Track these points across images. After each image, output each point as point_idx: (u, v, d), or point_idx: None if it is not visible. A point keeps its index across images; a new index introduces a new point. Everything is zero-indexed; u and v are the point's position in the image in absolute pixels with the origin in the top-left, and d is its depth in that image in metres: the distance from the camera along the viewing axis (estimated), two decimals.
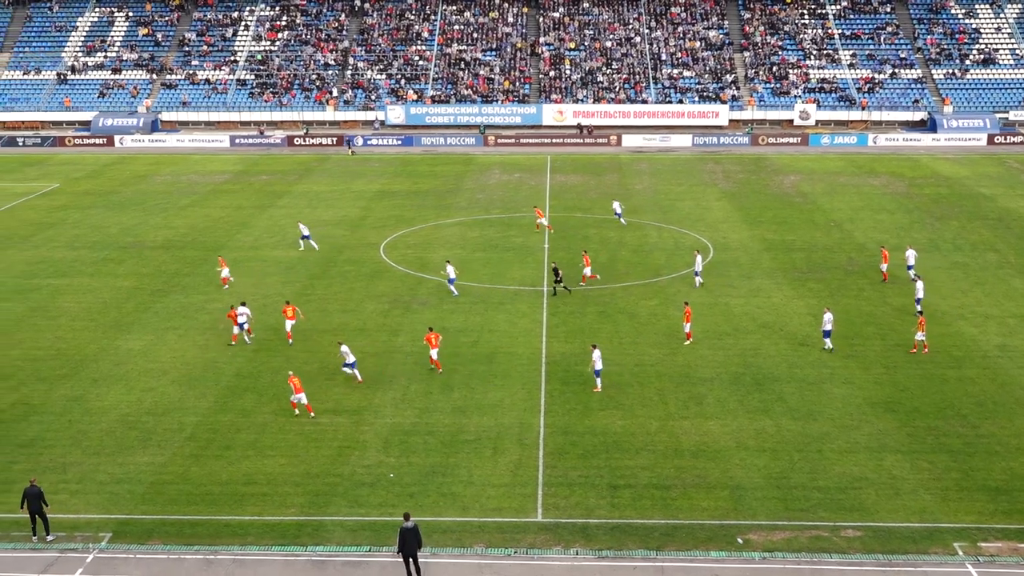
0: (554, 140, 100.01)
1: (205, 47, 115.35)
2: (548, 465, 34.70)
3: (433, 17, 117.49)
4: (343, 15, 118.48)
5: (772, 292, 52.66)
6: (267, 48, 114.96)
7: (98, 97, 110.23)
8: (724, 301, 51.19)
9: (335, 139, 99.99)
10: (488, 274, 55.97)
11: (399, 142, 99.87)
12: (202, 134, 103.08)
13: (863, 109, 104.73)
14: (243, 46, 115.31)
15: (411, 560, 28.58)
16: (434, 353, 42.55)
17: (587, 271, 53.67)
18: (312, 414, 38.58)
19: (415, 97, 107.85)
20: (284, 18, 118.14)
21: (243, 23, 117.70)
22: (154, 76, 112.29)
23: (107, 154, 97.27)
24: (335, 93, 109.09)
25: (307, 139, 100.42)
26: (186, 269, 57.67)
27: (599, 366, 40.48)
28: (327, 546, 30.29)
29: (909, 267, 54.80)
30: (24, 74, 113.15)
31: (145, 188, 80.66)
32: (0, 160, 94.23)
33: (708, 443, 36.17)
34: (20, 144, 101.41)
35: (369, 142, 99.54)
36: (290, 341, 46.00)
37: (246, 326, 46.01)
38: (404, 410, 39.00)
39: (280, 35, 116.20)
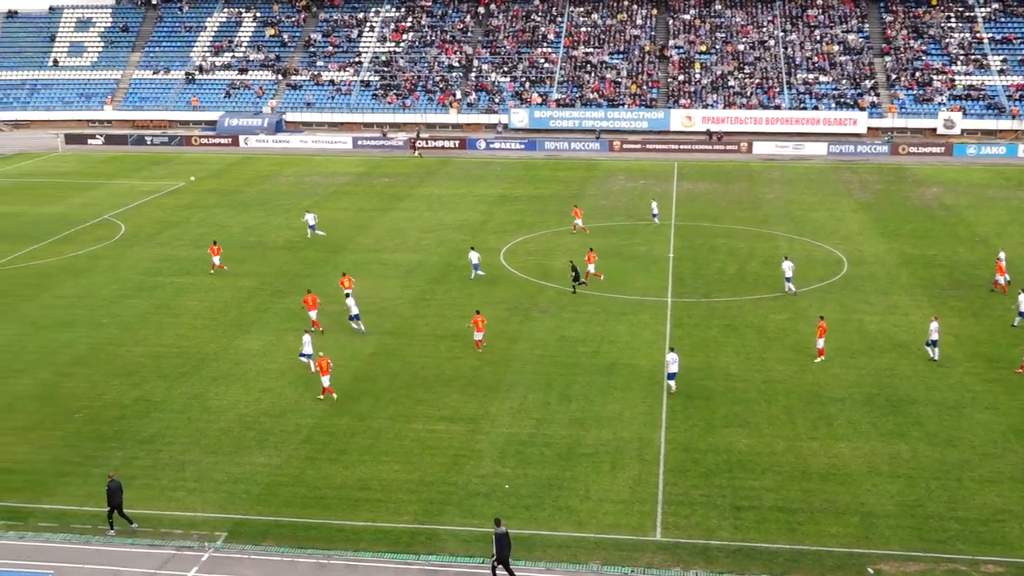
0: (682, 146, 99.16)
1: (330, 48, 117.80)
2: (668, 482, 34.34)
3: (560, 19, 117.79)
4: (468, 16, 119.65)
5: (910, 309, 51.21)
6: (392, 49, 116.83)
7: (224, 97, 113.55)
8: (858, 317, 49.99)
9: (457, 142, 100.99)
10: (610, 283, 55.74)
11: (522, 146, 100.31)
12: (325, 135, 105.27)
13: (1014, 118, 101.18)
14: (368, 47, 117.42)
15: (504, 565, 28.64)
16: (479, 336, 45.52)
17: (591, 268, 55.25)
18: (334, 396, 40.80)
19: (539, 100, 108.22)
20: (409, 19, 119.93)
21: (368, 24, 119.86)
22: (279, 77, 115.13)
23: (232, 154, 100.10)
24: (458, 96, 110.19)
25: (426, 141, 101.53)
26: (307, 270, 58.86)
27: (673, 369, 40.89)
28: (440, 556, 30.49)
29: None
30: (154, 73, 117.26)
31: (268, 188, 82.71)
32: (129, 158, 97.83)
33: (838, 466, 35.33)
34: (148, 143, 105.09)
35: (492, 146, 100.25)
36: (313, 329, 48.33)
37: (358, 318, 48.44)
38: (521, 420, 39.08)
39: (405, 36, 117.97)
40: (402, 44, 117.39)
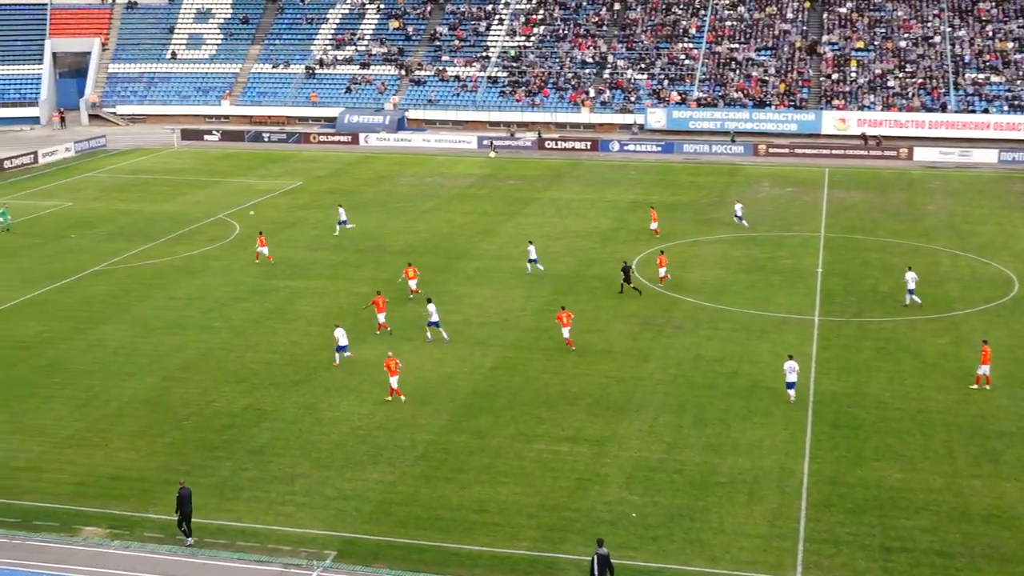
0: (834, 151, 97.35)
1: (456, 42, 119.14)
2: (811, 518, 33.71)
3: (703, 12, 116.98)
4: (604, 9, 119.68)
5: None
6: (521, 44, 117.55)
7: (345, 93, 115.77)
8: None
9: (589, 143, 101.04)
10: (751, 298, 55.06)
11: (658, 148, 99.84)
12: (449, 134, 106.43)
13: None
14: (496, 41, 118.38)
15: None
16: (566, 332, 47.77)
17: (662, 271, 57.33)
18: (403, 398, 42.47)
19: (678, 99, 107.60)
20: (541, 12, 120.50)
21: (497, 17, 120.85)
22: (403, 72, 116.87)
23: (351, 152, 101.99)
24: (591, 94, 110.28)
25: (556, 142, 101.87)
26: (425, 277, 59.50)
27: (791, 378, 41.87)
28: None
29: None
30: (273, 67, 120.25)
31: (388, 189, 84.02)
32: (246, 155, 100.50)
33: (1003, 508, 34.18)
34: (265, 140, 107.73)
35: (626, 147, 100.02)
36: (377, 333, 50.19)
37: (438, 324, 49.64)
38: (651, 444, 38.85)
39: (536, 30, 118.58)
40: (532, 38, 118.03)
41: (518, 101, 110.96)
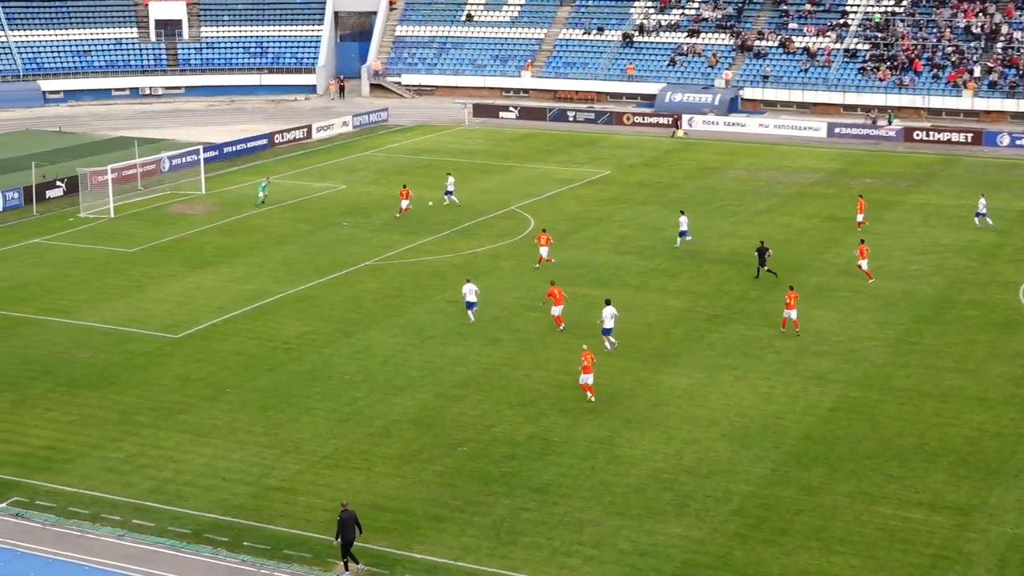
0: None
1: (808, 6, 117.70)
2: None
3: None
4: None
5: None
6: (889, 9, 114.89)
7: (668, 65, 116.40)
8: None
9: (970, 135, 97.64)
10: None
11: None
12: (792, 119, 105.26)
13: None
14: (857, 6, 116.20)
15: None
16: (793, 314, 51.18)
17: (862, 263, 60.26)
18: (591, 398, 45.70)
19: None
20: None
21: None
22: (739, 41, 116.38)
23: (672, 137, 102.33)
24: (977, 73, 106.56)
25: (927, 132, 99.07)
26: (753, 292, 59.08)
27: None
28: None
29: None
30: (584, 34, 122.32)
31: (713, 184, 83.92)
32: (546, 136, 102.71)
33: None
34: (570, 119, 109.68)
35: (1019, 142, 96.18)
36: (561, 328, 53.63)
37: (611, 332, 51.35)
38: None
39: None
40: (904, 3, 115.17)
41: (881, 80, 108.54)
